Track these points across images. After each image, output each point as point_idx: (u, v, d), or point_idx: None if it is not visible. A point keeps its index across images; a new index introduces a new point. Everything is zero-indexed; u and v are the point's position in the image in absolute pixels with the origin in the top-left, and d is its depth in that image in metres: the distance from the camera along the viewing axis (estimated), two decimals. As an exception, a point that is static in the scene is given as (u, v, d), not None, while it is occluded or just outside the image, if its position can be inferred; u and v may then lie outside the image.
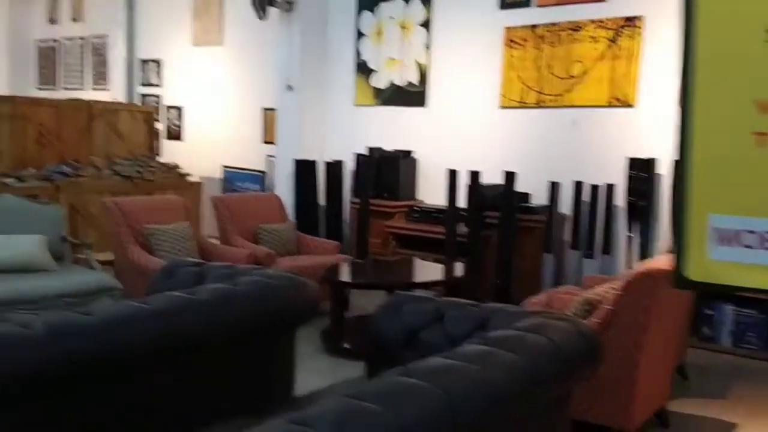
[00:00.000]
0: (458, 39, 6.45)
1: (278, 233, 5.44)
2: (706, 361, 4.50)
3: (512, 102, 6.08)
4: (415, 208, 6.45)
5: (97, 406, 2.13)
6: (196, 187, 7.62)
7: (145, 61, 9.22)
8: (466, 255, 5.73)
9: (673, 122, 2.69)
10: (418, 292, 3.10)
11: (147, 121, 8.07)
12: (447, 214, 5.91)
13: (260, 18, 7.00)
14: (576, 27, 5.65)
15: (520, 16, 5.99)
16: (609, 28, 5.48)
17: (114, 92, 9.32)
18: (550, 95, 5.86)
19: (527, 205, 5.71)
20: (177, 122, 8.96)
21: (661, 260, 3.22)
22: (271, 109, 7.77)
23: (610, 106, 5.53)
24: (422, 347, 2.46)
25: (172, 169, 7.50)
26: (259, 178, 8.23)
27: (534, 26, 5.90)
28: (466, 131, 6.44)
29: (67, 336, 2.05)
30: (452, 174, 5.84)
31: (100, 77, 9.64)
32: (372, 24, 7.01)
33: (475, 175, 5.62)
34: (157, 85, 9.13)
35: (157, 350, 2.28)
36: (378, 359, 2.76)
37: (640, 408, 3.06)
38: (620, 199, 5.41)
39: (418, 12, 6.69)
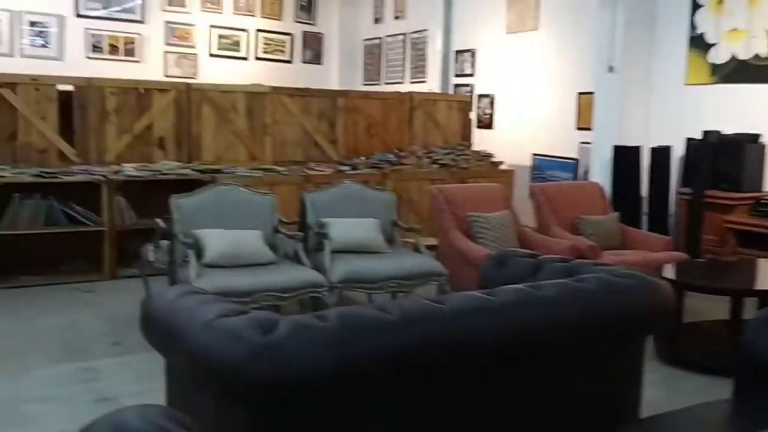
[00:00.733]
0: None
1: (600, 225, 5.09)
2: None
3: None
4: (763, 201, 5.56)
5: (436, 396, 2.10)
6: (508, 175, 7.58)
7: (459, 52, 9.44)
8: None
9: None
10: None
11: (462, 111, 8.25)
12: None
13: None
14: None
15: None
16: None
17: (430, 84, 9.72)
18: None
19: None
20: (488, 111, 9.02)
21: None
22: (587, 93, 7.37)
23: None
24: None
25: (485, 157, 7.56)
26: (570, 165, 7.89)
27: None
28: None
29: (421, 323, 2.04)
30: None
31: (418, 70, 10.12)
32: (711, -9, 6.21)
33: None
34: (470, 75, 9.29)
35: (500, 347, 2.18)
36: (749, 377, 2.35)
37: None
38: None
39: (772, -28, 5.73)
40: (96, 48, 9.33)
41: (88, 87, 6.14)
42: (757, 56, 5.87)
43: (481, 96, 9.09)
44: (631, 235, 5.21)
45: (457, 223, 4.70)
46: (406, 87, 9.95)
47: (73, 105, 6.11)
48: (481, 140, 8.50)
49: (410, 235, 4.81)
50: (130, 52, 9.55)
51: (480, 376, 2.17)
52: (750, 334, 2.31)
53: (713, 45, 6.20)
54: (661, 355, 3.90)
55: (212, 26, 10.23)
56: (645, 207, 6.57)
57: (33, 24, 8.94)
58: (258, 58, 10.65)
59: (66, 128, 6.14)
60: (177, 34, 9.96)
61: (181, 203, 4.15)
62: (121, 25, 9.51)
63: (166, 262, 4.37)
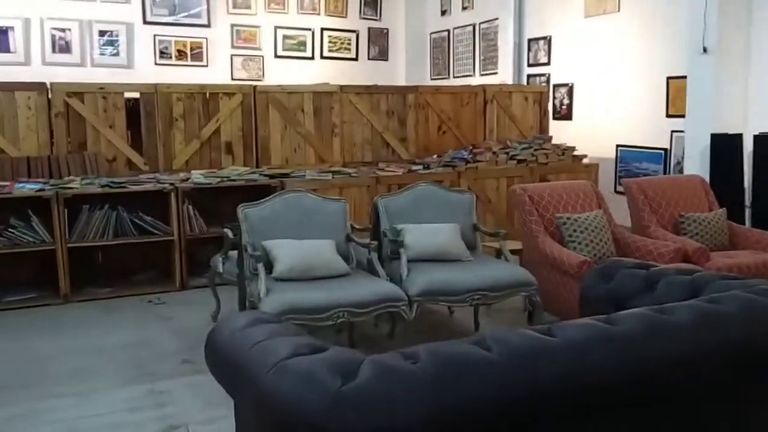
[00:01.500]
0: None
1: (705, 223, 4.58)
2: None
3: None
4: None
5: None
6: (592, 169, 7.09)
7: (532, 40, 8.96)
8: None
9: None
10: None
11: (538, 102, 7.80)
12: None
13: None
14: None
15: None
16: None
17: (502, 75, 9.28)
18: None
19: None
20: (565, 100, 8.51)
21: None
22: (678, 78, 6.80)
23: None
24: None
25: (566, 150, 7.09)
26: (659, 156, 7.32)
27: None
28: None
29: (530, 361, 1.70)
30: None
31: (489, 62, 9.69)
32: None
33: None
34: (545, 64, 8.80)
35: (626, 387, 1.80)
36: None
37: None
38: None
39: None
40: (164, 54, 9.32)
41: (155, 93, 6.03)
42: None
43: (557, 86, 8.59)
44: (740, 234, 4.68)
45: (544, 225, 4.30)
46: (477, 80, 9.54)
47: (140, 112, 6.02)
48: (558, 132, 8.01)
49: (492, 239, 4.44)
50: (197, 57, 9.51)
51: (604, 423, 1.80)
52: None
53: (825, 18, 5.56)
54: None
55: (277, 27, 10.08)
56: (747, 200, 5.98)
57: (102, 33, 8.99)
58: (324, 57, 10.45)
59: (134, 136, 6.05)
60: (243, 37, 9.86)
61: (248, 213, 3.91)
62: (188, 30, 9.47)
63: (235, 274, 4.15)
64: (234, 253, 4.33)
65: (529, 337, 1.78)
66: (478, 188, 6.38)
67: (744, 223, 5.64)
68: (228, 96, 6.33)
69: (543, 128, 7.74)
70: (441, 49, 10.69)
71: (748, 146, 5.99)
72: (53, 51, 8.72)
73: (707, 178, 6.12)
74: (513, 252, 4.84)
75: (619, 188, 7.19)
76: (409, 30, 10.92)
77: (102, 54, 8.97)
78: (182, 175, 5.75)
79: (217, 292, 4.63)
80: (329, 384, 1.57)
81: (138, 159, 5.98)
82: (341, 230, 4.05)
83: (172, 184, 5.48)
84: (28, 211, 5.12)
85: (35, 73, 7.95)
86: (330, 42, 10.52)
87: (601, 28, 7.87)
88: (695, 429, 1.93)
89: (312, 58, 10.37)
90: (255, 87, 6.53)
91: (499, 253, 4.75)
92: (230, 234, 4.32)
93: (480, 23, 9.79)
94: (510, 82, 8.94)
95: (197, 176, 5.68)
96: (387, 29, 10.91)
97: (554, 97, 8.56)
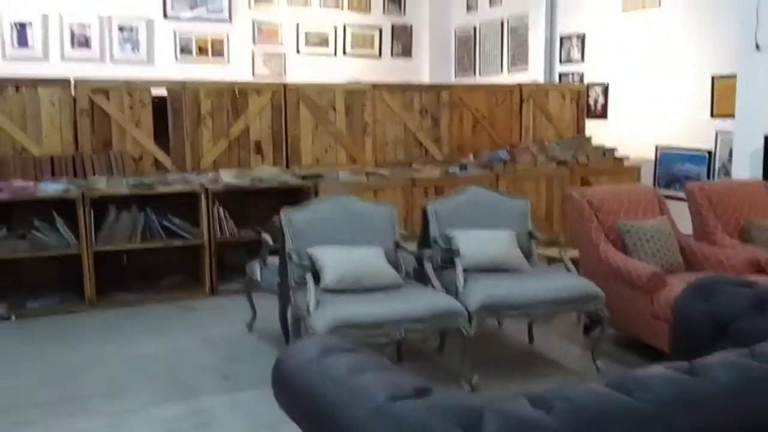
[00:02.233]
0: None
1: (773, 231, 4.28)
2: None
3: None
4: None
5: None
6: (634, 171, 6.80)
7: (565, 37, 8.66)
8: None
9: None
10: None
11: (575, 101, 7.52)
12: None
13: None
14: None
15: None
16: None
17: (532, 73, 8.98)
18: None
19: None
20: (600, 99, 8.21)
21: None
22: (725, 77, 6.49)
23: None
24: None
25: (606, 152, 6.80)
26: (703, 159, 7.01)
27: None
28: None
29: (689, 408, 1.42)
30: None
31: (518, 59, 9.39)
32: None
33: None
34: (578, 61, 8.49)
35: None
36: None
37: None
38: None
39: None
40: (184, 50, 9.07)
41: (183, 90, 5.78)
42: None
43: (591, 84, 8.28)
44: (810, 243, 4.37)
45: (605, 233, 4.02)
46: (505, 78, 9.24)
47: (167, 110, 5.77)
48: (593, 132, 7.71)
49: (545, 247, 4.18)
50: (217, 53, 9.25)
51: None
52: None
53: None
54: None
55: (299, 23, 9.82)
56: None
57: (122, 29, 8.75)
58: (346, 54, 10.17)
59: (160, 135, 5.80)
60: (264, 32, 9.60)
61: (292, 217, 3.65)
62: (208, 26, 9.21)
63: (275, 283, 3.89)
64: (273, 260, 4.08)
65: (679, 380, 1.50)
66: (516, 191, 6.09)
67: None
68: (257, 93, 6.08)
69: (580, 128, 7.45)
70: (467, 46, 10.39)
71: (805, 149, 5.70)
72: (72, 46, 8.49)
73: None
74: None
75: (660, 191, 6.90)
76: (433, 26, 10.63)
77: (122, 50, 8.73)
78: (211, 175, 5.50)
79: (252, 300, 4.38)
80: (452, 440, 1.31)
81: (165, 158, 5.74)
82: (389, 237, 3.78)
83: (202, 184, 5.23)
84: (53, 213, 4.89)
85: (54, 69, 7.72)
86: (353, 38, 10.25)
87: (640, 24, 7.56)
88: None
89: (334, 54, 10.10)
90: (285, 84, 6.27)
91: (550, 261, 4.49)
92: (270, 240, 4.07)
93: (508, 19, 9.49)
94: (541, 80, 8.64)
95: (227, 177, 5.43)
96: (411, 25, 10.62)
97: (588, 96, 8.26)
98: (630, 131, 7.63)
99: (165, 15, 8.92)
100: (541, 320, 3.49)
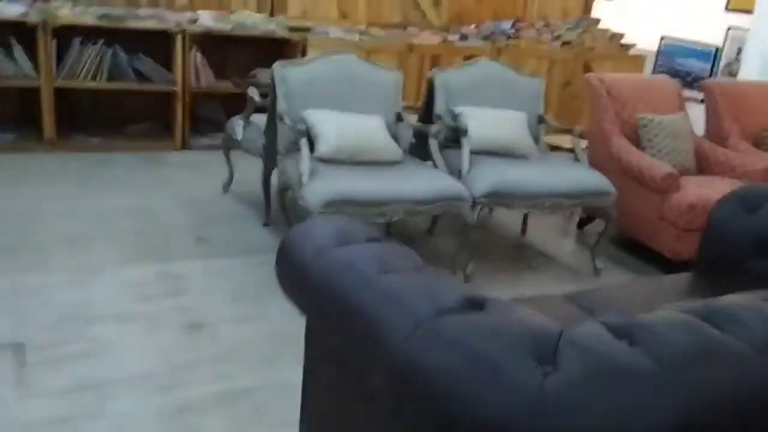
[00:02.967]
0: None
1: (790, 141, 4.06)
2: None
3: None
4: None
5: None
6: (639, 61, 6.42)
7: None
8: None
9: None
10: None
11: (586, -24, 6.94)
12: None
13: None
14: None
15: None
16: None
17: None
18: None
19: None
20: (610, -21, 7.62)
21: None
22: (751, -34, 6.01)
23: None
24: None
25: (614, 36, 6.37)
26: (708, 54, 6.65)
27: None
28: None
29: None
30: None
31: None
32: None
33: None
34: (593, -67, 7.79)
35: None
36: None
37: None
38: None
39: None
40: None
41: None
42: None
43: (602, -41, 7.66)
44: (825, 157, 4.18)
45: (620, 125, 3.73)
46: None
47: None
48: (596, 13, 7.22)
49: (554, 134, 3.89)
50: None
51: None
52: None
53: None
54: None
55: None
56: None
57: None
58: None
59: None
60: None
61: (287, 74, 3.24)
62: None
63: (260, 144, 3.54)
64: (257, 119, 3.70)
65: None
66: (517, 67, 5.70)
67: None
68: (244, -75, 5.37)
69: (587, 7, 6.95)
70: None
71: (823, 56, 5.39)
72: None
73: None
74: (566, 150, 4.31)
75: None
76: None
77: None
78: (189, 15, 4.93)
79: (230, 160, 4.02)
80: (525, 378, 1.06)
81: (136, -11, 5.10)
82: (392, 107, 3.42)
83: (178, 24, 4.68)
84: (10, 39, 4.33)
85: None
86: None
87: None
88: None
89: None
90: None
91: (553, 149, 4.22)
92: (256, 96, 3.66)
93: None
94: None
95: (207, 19, 4.87)
96: None
97: (596, -27, 7.66)
98: (635, 15, 7.15)
99: None
100: (548, 213, 3.26)
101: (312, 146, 3.06)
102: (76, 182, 4.06)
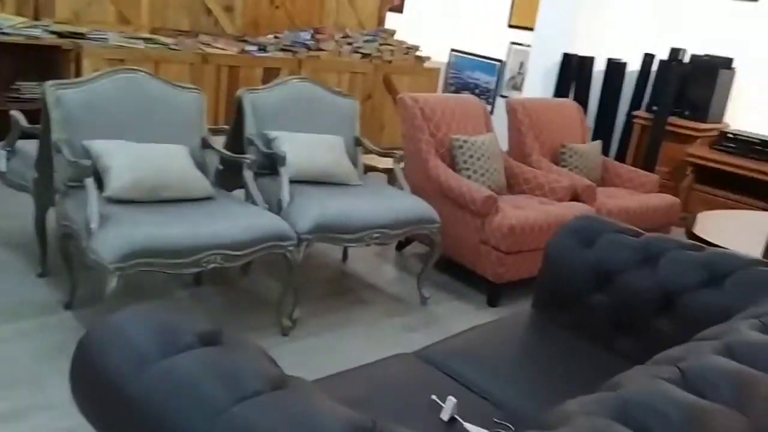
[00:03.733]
0: None
1: (584, 156, 4.29)
2: None
3: None
4: (729, 135, 5.07)
5: None
6: (434, 74, 6.54)
7: None
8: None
9: None
10: None
11: (379, -12, 6.94)
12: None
13: None
14: None
15: None
16: None
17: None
18: None
19: None
20: (398, -9, 7.74)
21: None
22: (529, -13, 6.40)
23: None
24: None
25: (410, 49, 6.41)
26: (494, 68, 7.00)
27: None
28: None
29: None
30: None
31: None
32: None
33: None
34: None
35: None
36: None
37: None
38: None
39: None
40: None
41: None
42: (737, -31, 5.20)
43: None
44: (613, 170, 4.48)
45: (435, 147, 3.64)
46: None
47: None
48: (389, 26, 7.28)
49: (370, 156, 3.71)
50: None
51: None
52: None
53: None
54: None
55: None
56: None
57: None
58: None
59: None
60: None
61: (62, 96, 2.67)
62: None
63: (30, 178, 2.91)
64: (24, 146, 3.05)
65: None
66: (319, 80, 5.47)
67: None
68: None
69: (381, 19, 6.95)
70: None
71: (598, 72, 5.87)
72: None
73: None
74: (371, 170, 4.16)
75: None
76: None
77: None
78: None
79: (-9, 196, 3.30)
80: None
81: None
82: (195, 131, 2.99)
83: None
84: None
85: None
86: None
87: None
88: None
89: None
90: None
91: (367, 169, 4.04)
92: (22, 120, 3.01)
93: None
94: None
95: (-51, 21, 4.00)
96: None
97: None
98: (426, 29, 7.32)
99: None
100: (375, 244, 3.05)
101: (100, 184, 2.55)
102: None
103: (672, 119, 5.24)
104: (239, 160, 2.96)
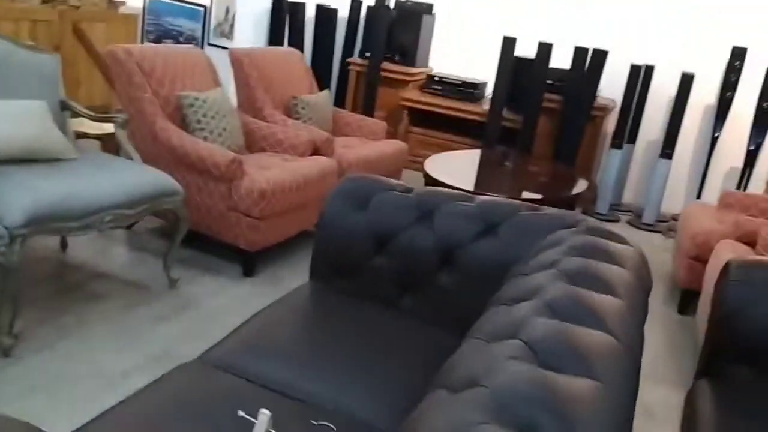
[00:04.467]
0: None
1: (315, 108, 4.16)
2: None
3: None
4: (436, 78, 5.38)
5: None
6: (131, 21, 5.82)
7: None
8: (509, 143, 4.92)
9: None
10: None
11: None
12: (495, 91, 4.96)
13: None
14: None
15: None
16: None
17: None
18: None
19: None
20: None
21: None
22: None
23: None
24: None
25: (100, -7, 5.60)
26: (198, 14, 6.52)
27: None
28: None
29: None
30: (508, 42, 4.85)
31: None
32: None
33: (546, 51, 4.68)
34: None
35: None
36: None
37: None
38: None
39: None
40: None
41: None
42: None
43: None
44: (342, 120, 4.44)
45: (162, 106, 3.19)
46: None
47: None
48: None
49: (85, 122, 3.13)
50: None
51: None
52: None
53: None
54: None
55: None
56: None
57: None
58: None
59: None
60: None
61: None
62: None
63: None
64: None
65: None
66: (-12, 32, 4.49)
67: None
68: None
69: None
70: None
71: (310, 18, 5.77)
72: None
73: (262, 46, 5.74)
74: (83, 137, 3.58)
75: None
76: None
77: None
78: None
79: None
80: None
81: None
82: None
83: None
84: None
85: None
86: None
87: None
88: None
89: None
90: None
91: (79, 136, 3.43)
92: None
93: None
94: None
95: None
96: None
97: None
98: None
99: None
100: (110, 229, 2.57)
101: None
102: None
103: (385, 65, 5.39)
104: None
